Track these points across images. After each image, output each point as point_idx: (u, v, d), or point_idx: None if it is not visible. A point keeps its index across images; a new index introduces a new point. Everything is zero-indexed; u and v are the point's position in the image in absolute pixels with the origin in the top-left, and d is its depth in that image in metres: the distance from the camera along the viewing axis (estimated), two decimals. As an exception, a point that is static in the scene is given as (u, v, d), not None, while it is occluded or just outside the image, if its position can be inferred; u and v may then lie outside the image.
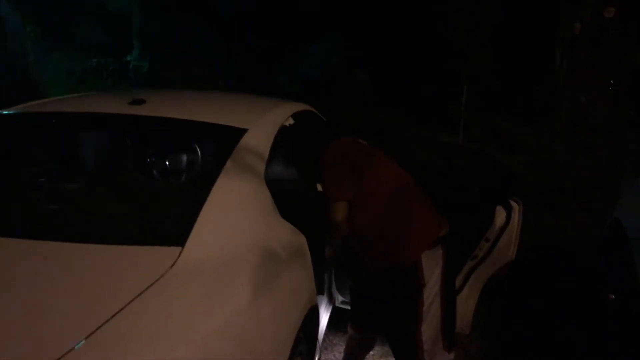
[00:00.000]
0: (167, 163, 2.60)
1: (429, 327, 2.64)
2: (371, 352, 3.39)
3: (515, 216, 3.17)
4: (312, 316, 2.50)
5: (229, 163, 2.28)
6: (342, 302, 3.46)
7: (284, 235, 2.39)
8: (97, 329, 1.49)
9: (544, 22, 11.64)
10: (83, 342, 1.44)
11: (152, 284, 1.69)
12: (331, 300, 3.42)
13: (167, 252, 1.85)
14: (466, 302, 3.23)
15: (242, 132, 2.50)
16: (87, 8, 14.86)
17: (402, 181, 2.73)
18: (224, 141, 2.47)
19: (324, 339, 3.32)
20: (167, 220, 2.14)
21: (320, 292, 2.76)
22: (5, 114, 2.82)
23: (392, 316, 2.72)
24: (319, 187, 3.01)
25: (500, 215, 3.16)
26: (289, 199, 2.51)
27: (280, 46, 14.32)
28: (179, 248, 1.86)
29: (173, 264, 1.80)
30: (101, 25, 15.24)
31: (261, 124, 2.72)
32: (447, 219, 2.72)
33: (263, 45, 14.38)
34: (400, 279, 2.64)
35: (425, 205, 2.72)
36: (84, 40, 15.10)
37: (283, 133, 2.83)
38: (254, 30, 14.55)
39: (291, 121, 3.02)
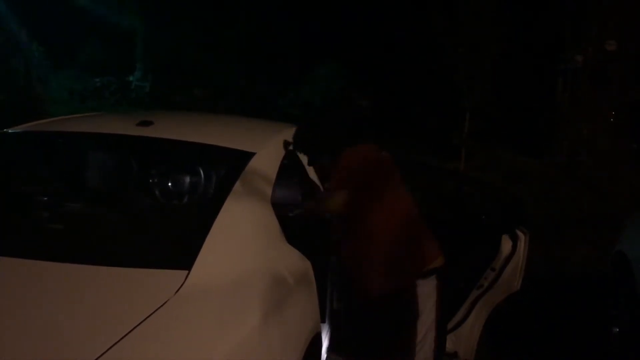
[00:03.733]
0: (174, 185, 2.58)
1: (423, 358, 2.62)
2: None
3: (521, 245, 3.15)
4: (316, 344, 2.46)
5: (236, 186, 2.25)
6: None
7: (291, 260, 2.35)
8: (99, 357, 1.44)
9: (547, 53, 11.73)
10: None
11: (158, 309, 1.65)
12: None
13: (173, 276, 1.82)
14: (471, 331, 3.19)
15: (249, 155, 2.47)
16: (91, 28, 15.01)
17: (407, 205, 2.70)
18: (231, 164, 2.44)
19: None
20: (174, 242, 2.10)
21: (322, 319, 2.71)
22: (12, 133, 2.79)
23: (383, 345, 2.64)
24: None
25: (506, 244, 3.14)
26: (295, 224, 2.48)
27: (282, 70, 14.43)
28: (185, 272, 1.83)
29: (179, 288, 1.76)
30: (105, 45, 15.38)
31: (268, 148, 2.70)
32: (446, 250, 2.70)
33: (265, 69, 14.50)
34: (395, 308, 2.61)
35: (425, 233, 2.70)
36: (87, 59, 15.23)
37: (289, 157, 2.81)
38: (257, 54, 14.68)
39: None
